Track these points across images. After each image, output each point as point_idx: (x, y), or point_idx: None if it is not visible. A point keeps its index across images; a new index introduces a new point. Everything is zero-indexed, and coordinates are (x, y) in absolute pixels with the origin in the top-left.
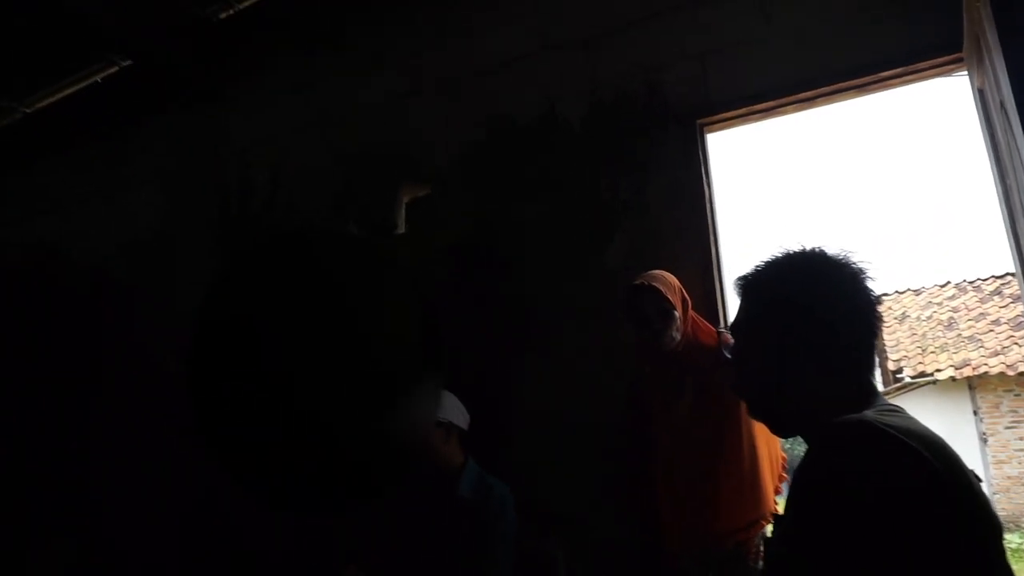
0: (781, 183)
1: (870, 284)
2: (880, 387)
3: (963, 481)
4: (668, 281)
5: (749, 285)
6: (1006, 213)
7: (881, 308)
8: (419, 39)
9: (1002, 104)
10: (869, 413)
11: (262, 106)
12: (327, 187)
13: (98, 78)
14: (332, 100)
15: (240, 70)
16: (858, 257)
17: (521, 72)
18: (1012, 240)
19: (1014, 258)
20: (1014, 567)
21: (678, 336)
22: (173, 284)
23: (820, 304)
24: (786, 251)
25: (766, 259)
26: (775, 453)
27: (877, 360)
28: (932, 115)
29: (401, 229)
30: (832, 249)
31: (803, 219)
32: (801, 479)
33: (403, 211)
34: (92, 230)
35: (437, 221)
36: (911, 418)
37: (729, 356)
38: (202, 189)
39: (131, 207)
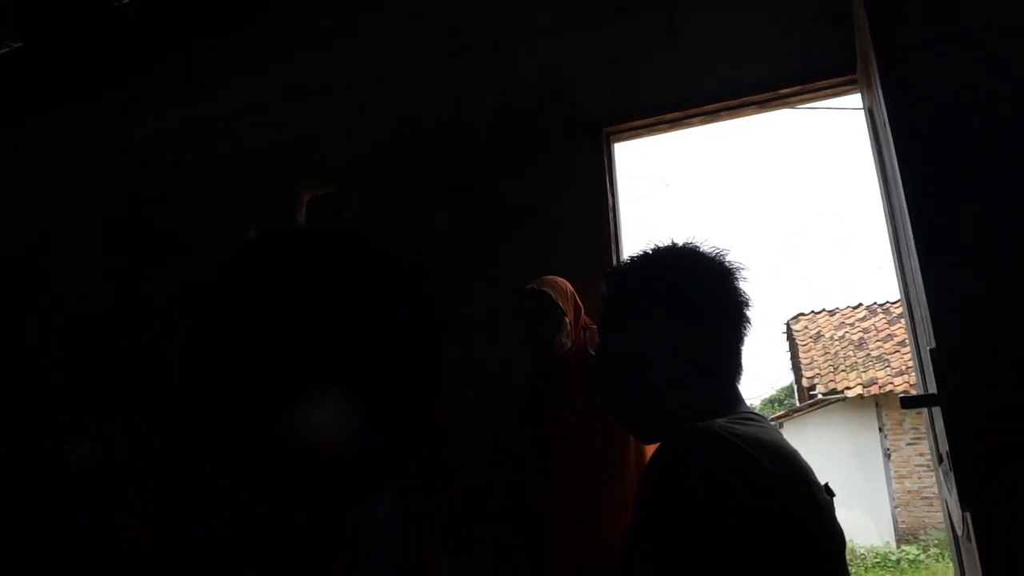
0: (695, 199)
1: (742, 285)
2: (796, 403)
3: (803, 491)
4: (560, 287)
5: (615, 280)
6: (891, 230)
7: (751, 311)
8: (327, 34)
9: (885, 122)
10: (720, 421)
11: (162, 99)
12: (226, 184)
13: None
14: (236, 95)
15: (142, 59)
16: (732, 256)
17: (429, 73)
18: (895, 258)
19: (897, 274)
20: None
21: (568, 343)
22: (57, 279)
23: (687, 303)
24: (655, 246)
25: (634, 254)
26: None
27: (794, 376)
28: (854, 139)
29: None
30: (705, 246)
31: (716, 236)
32: (639, 486)
33: (303, 211)
34: None
35: (338, 222)
36: (766, 427)
37: (594, 354)
38: (95, 182)
39: (17, 198)
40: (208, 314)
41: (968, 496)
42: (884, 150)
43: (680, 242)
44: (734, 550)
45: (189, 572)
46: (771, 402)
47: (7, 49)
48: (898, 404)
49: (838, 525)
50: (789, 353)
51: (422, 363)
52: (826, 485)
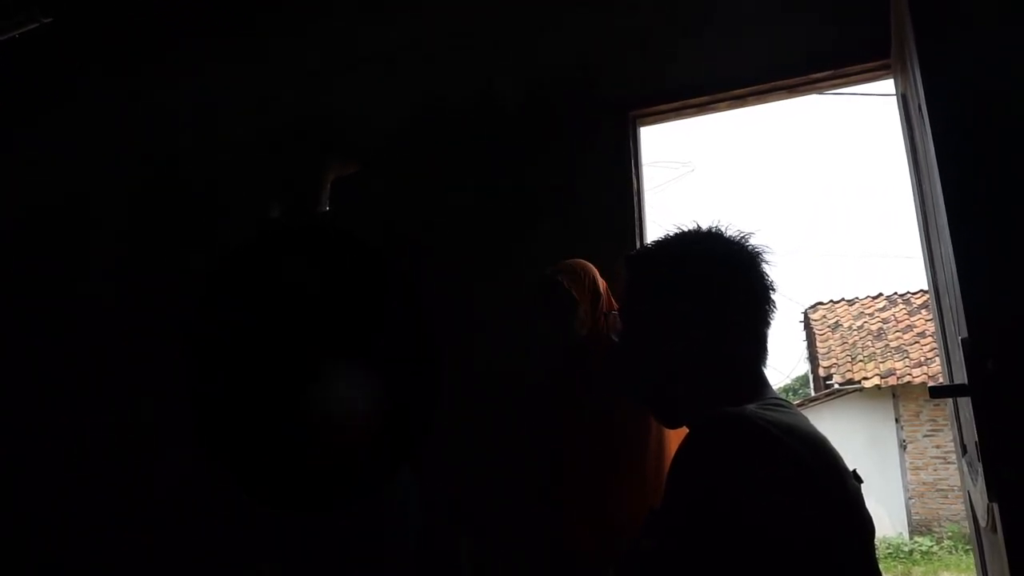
0: (719, 184)
1: (767, 269)
2: (811, 392)
3: (836, 479)
4: (576, 273)
5: (637, 264)
6: (921, 219)
7: (776, 295)
8: (358, 12)
9: (920, 107)
10: (751, 407)
11: (191, 75)
12: (252, 161)
13: (15, 34)
14: (264, 72)
15: (170, 36)
16: (757, 240)
17: (459, 52)
18: (924, 246)
19: (925, 262)
20: (923, 569)
21: (583, 331)
22: (79, 255)
23: (711, 287)
24: (679, 230)
25: (657, 238)
26: None
27: (809, 365)
28: (876, 129)
29: (325, 208)
30: (729, 230)
31: (739, 221)
32: (671, 471)
33: (328, 190)
34: None
35: (362, 204)
36: (795, 414)
37: (616, 339)
38: (123, 158)
39: (42, 172)
40: (208, 311)
41: (996, 487)
42: (918, 136)
43: (704, 226)
44: (773, 536)
45: (189, 572)
46: (786, 391)
47: (37, 24)
48: (915, 395)
49: (867, 512)
50: (806, 342)
51: (422, 362)
52: (854, 471)
